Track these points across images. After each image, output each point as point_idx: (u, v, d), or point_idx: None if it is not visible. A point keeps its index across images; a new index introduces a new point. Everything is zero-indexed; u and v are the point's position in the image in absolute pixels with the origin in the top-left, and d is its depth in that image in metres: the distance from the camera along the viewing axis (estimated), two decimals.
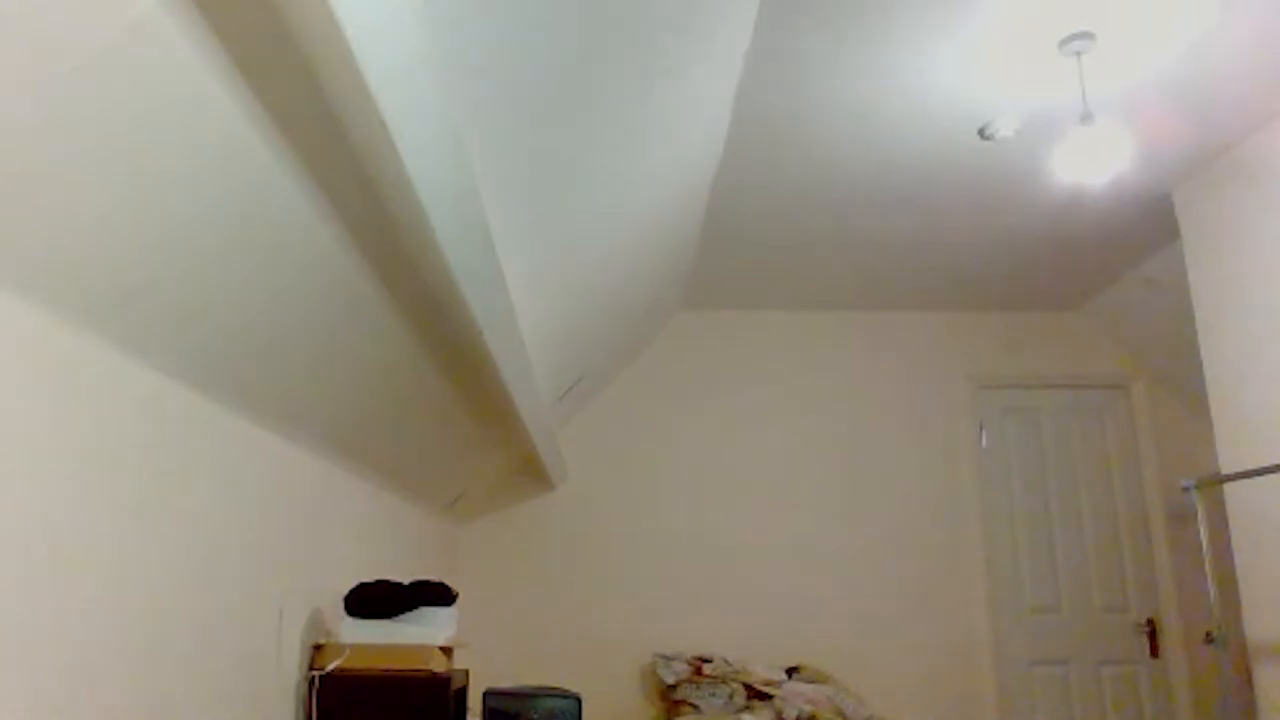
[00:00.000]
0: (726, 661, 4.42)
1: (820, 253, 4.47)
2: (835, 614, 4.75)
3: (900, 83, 3.11)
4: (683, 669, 4.38)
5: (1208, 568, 3.73)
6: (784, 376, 5.06)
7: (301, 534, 2.42)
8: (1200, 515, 3.81)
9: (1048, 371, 5.14)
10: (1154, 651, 4.78)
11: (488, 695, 3.02)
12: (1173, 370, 4.91)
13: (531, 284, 2.71)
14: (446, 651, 2.36)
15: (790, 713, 4.09)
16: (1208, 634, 3.68)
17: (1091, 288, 4.91)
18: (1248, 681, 3.63)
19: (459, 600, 2.50)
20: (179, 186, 1.37)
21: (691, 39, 2.52)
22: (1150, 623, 4.81)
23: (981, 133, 3.40)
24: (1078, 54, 2.91)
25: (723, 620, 4.71)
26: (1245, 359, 3.61)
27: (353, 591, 2.37)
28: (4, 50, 1.02)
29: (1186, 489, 3.84)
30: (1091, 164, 2.99)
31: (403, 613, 2.35)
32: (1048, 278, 4.76)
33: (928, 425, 5.03)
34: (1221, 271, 3.71)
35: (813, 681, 4.36)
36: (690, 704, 4.26)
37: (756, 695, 4.24)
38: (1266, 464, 3.35)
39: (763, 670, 4.37)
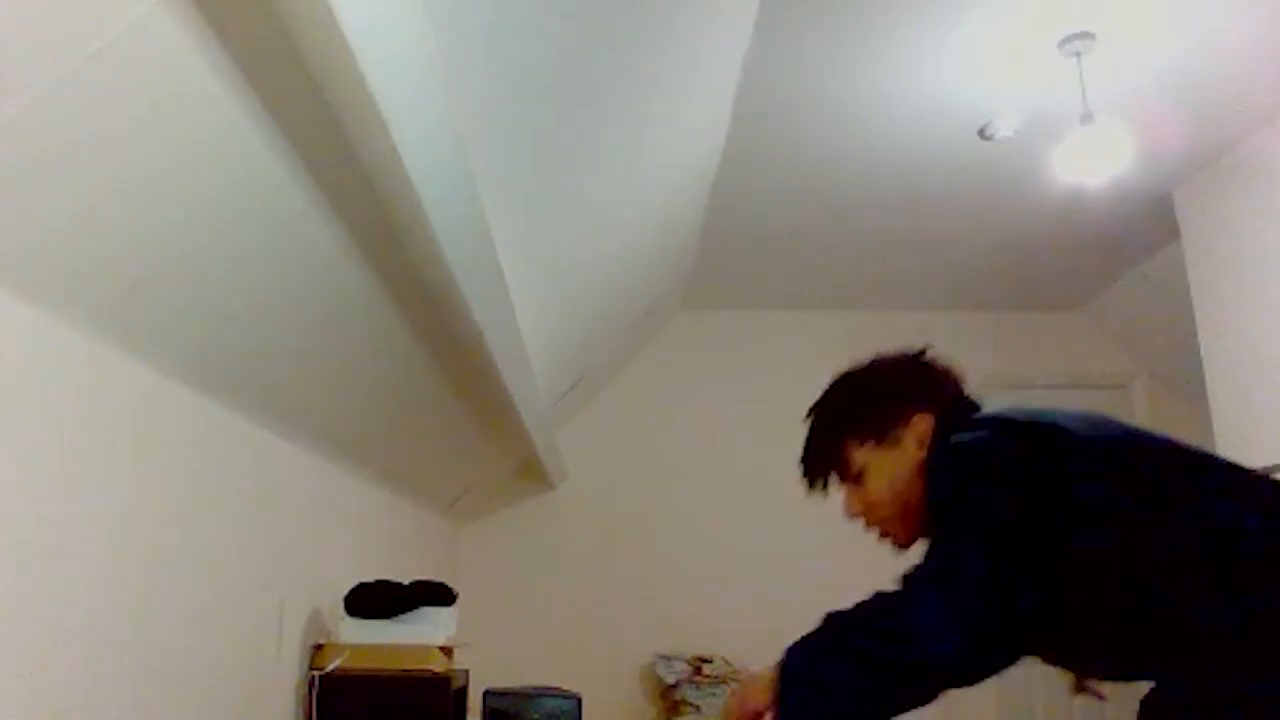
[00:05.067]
0: (726, 661, 4.41)
1: (820, 252, 4.47)
2: None
3: (900, 83, 3.11)
4: (683, 669, 4.38)
5: None
6: (784, 376, 5.04)
7: (301, 534, 2.41)
8: None
9: (1048, 371, 5.14)
10: None
11: (488, 695, 3.01)
12: (1173, 370, 4.91)
13: (531, 284, 2.71)
14: (446, 651, 2.36)
15: None
16: None
17: (1091, 288, 4.90)
18: None
19: (459, 600, 2.49)
20: (178, 185, 1.37)
21: (691, 39, 2.52)
22: None
23: (981, 133, 3.40)
24: (1078, 54, 2.91)
25: (723, 620, 4.70)
26: (1245, 358, 3.61)
27: (353, 591, 2.37)
28: (4, 50, 1.02)
29: None
30: (1091, 164, 2.99)
31: (403, 613, 2.34)
32: (1048, 278, 4.76)
33: None
34: (1221, 271, 3.71)
35: None
36: (690, 704, 4.26)
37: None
38: (1266, 464, 3.34)
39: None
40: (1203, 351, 3.83)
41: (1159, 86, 3.14)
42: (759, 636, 4.70)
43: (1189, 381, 4.78)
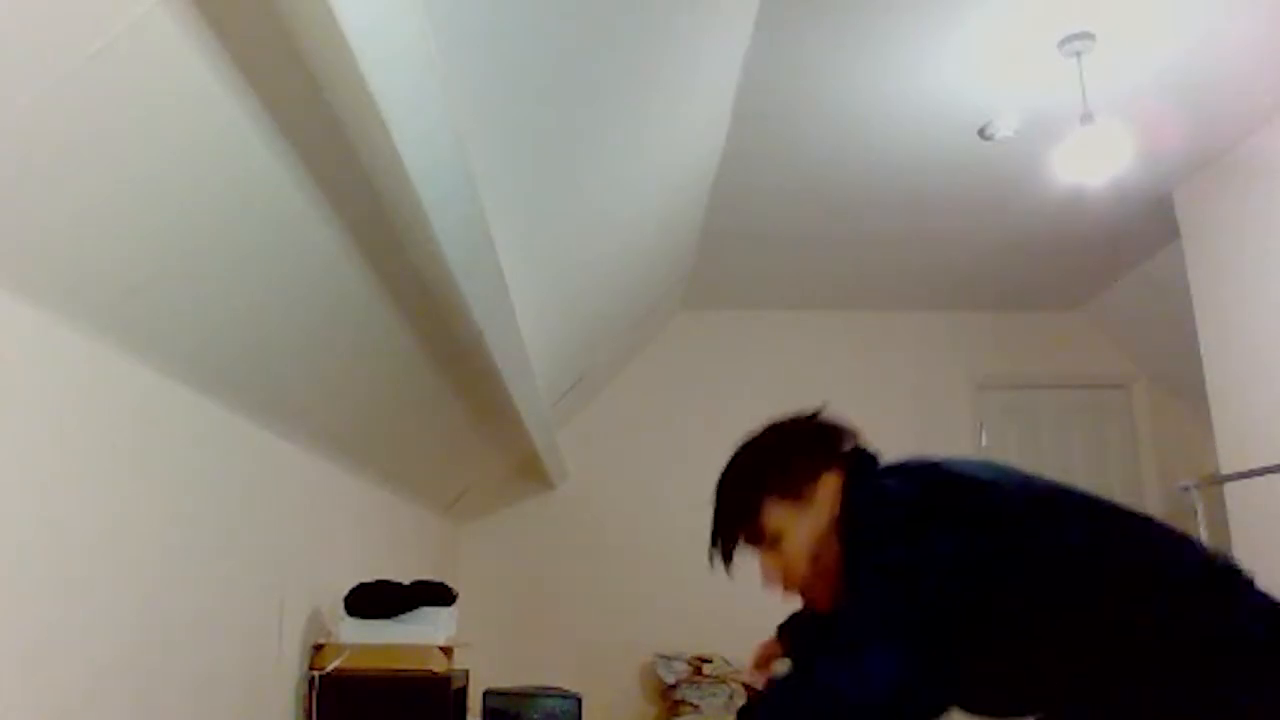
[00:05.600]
0: (726, 661, 4.42)
1: (820, 252, 4.47)
2: None
3: (900, 83, 3.11)
4: (683, 669, 4.38)
5: None
6: (783, 376, 5.05)
7: (302, 534, 2.41)
8: (1200, 515, 3.81)
9: (1048, 371, 5.14)
10: None
11: (488, 695, 3.02)
12: (1173, 370, 4.91)
13: (531, 284, 2.71)
14: (446, 651, 2.36)
15: None
16: None
17: (1091, 288, 4.90)
18: None
19: (459, 600, 2.49)
20: (178, 185, 1.37)
21: (691, 39, 2.52)
22: None
23: (981, 133, 3.40)
24: (1078, 54, 2.91)
25: (723, 620, 4.70)
26: (1245, 359, 3.61)
27: (353, 591, 2.37)
28: (4, 51, 1.02)
29: (1186, 489, 3.84)
30: (1091, 164, 2.99)
31: (403, 613, 2.35)
32: (1048, 278, 4.76)
33: (928, 425, 5.02)
34: (1221, 271, 3.71)
35: None
36: (690, 704, 4.26)
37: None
38: (1266, 464, 3.34)
39: None
40: (1203, 351, 3.83)
41: (1159, 86, 3.14)
42: (759, 636, 4.70)
43: (1189, 381, 4.79)
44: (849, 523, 1.32)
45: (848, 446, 1.43)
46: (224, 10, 1.17)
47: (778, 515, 1.38)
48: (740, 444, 1.48)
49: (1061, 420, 5.12)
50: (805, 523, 1.37)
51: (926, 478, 1.29)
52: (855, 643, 1.21)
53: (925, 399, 5.07)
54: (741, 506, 1.42)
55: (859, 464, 1.40)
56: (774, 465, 1.42)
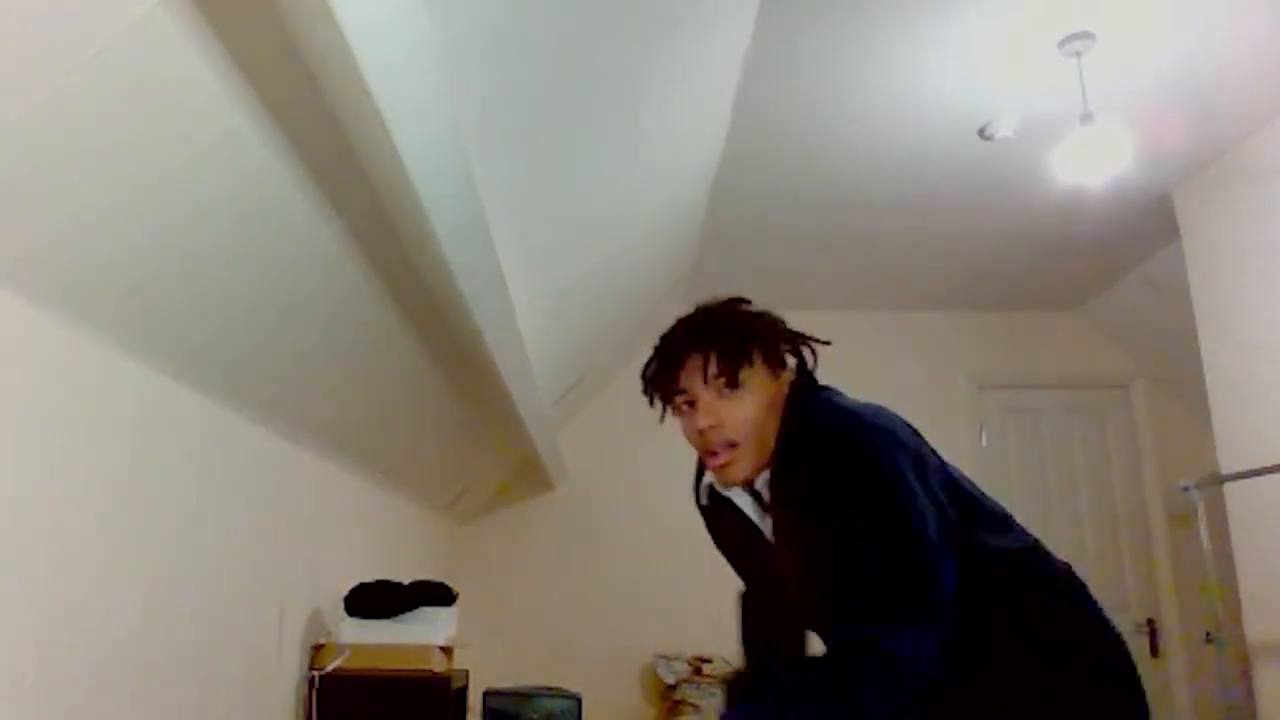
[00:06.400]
0: (726, 661, 4.41)
1: (820, 253, 4.47)
2: None
3: (900, 83, 3.11)
4: (683, 669, 4.37)
5: (1208, 568, 3.73)
6: None
7: (301, 534, 2.41)
8: (1200, 515, 3.81)
9: (1048, 371, 5.13)
10: (1154, 651, 4.77)
11: (488, 695, 3.02)
12: (1173, 370, 4.91)
13: (532, 284, 2.71)
14: (446, 651, 2.36)
15: None
16: (1207, 634, 3.68)
17: (1091, 288, 4.90)
18: (1248, 681, 3.63)
19: (459, 600, 2.50)
20: (178, 185, 1.37)
21: (692, 40, 2.52)
22: (1150, 623, 4.81)
23: (981, 133, 3.39)
24: (1078, 54, 2.91)
25: (723, 620, 4.69)
26: (1245, 359, 3.61)
27: (353, 591, 2.37)
28: (4, 51, 1.02)
29: (1186, 489, 3.84)
30: (1091, 164, 2.99)
31: (403, 613, 2.35)
32: (1048, 278, 4.75)
33: (928, 425, 4.98)
34: (1221, 271, 3.71)
35: None
36: (690, 704, 4.26)
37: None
38: (1266, 464, 3.34)
39: None
40: (1203, 351, 3.83)
41: (1159, 86, 3.14)
42: None
43: (1189, 381, 4.79)
44: (824, 425, 1.37)
45: (807, 354, 1.49)
46: (224, 10, 1.17)
47: (755, 365, 1.42)
48: (731, 296, 1.53)
49: (1061, 420, 5.11)
50: (768, 387, 1.42)
51: (884, 412, 1.47)
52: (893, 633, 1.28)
53: (925, 399, 5.06)
54: (734, 339, 1.43)
55: (810, 373, 1.48)
56: (773, 325, 1.48)
